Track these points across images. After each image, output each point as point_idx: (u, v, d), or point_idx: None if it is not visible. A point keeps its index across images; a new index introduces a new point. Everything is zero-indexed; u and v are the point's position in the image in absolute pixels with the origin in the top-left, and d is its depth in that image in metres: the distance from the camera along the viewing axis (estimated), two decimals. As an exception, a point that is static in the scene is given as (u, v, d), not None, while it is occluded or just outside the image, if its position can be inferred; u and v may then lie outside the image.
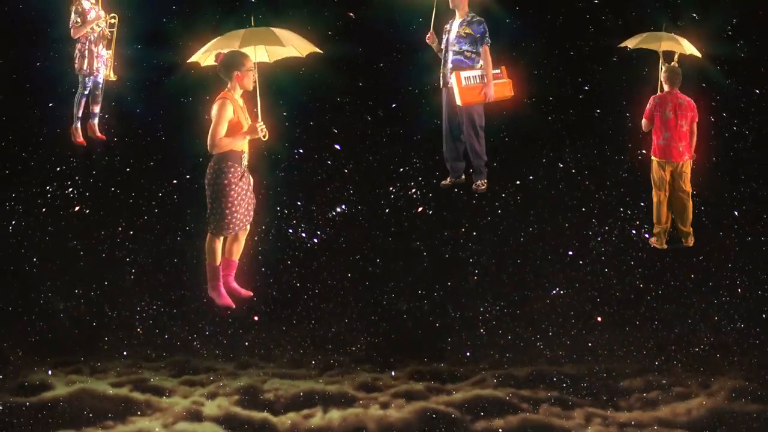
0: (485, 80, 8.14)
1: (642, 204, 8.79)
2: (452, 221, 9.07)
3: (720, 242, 9.01)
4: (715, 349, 9.28)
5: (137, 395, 9.02)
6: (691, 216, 8.16)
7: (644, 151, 8.54)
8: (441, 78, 8.33)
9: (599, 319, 9.09)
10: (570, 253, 9.14)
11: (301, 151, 9.27)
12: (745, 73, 9.02)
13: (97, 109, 8.46)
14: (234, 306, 7.09)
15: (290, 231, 9.20)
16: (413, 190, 9.07)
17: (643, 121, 7.99)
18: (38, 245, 8.96)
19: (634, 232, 8.96)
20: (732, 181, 9.05)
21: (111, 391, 8.96)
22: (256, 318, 8.77)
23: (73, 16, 8.14)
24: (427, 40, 8.27)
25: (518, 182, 9.14)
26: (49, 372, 9.07)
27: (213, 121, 6.62)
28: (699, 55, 8.16)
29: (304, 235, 9.34)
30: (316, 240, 9.27)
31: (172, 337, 9.32)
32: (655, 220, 8.15)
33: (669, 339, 9.29)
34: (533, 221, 9.16)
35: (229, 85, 6.74)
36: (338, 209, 9.14)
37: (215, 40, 6.82)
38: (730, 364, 9.27)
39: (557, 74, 9.22)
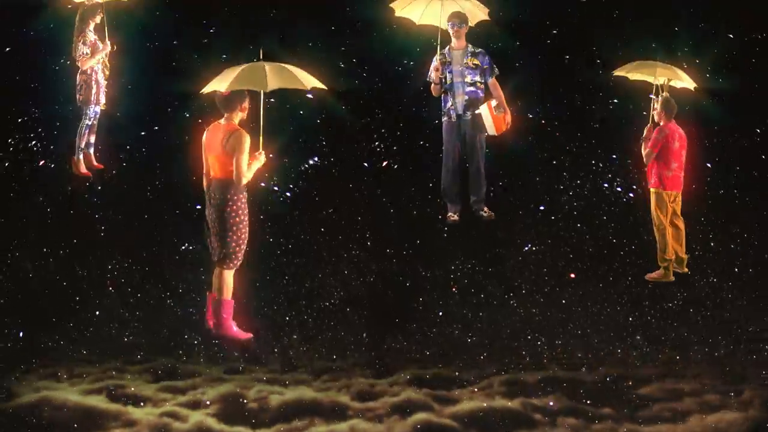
0: (503, 109, 8.37)
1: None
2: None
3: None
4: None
5: (106, 405, 8.36)
6: (685, 241, 8.34)
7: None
8: (452, 110, 8.44)
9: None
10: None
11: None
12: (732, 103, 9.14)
13: (93, 138, 8.58)
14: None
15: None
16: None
17: (648, 151, 8.01)
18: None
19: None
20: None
21: (79, 399, 8.33)
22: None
23: (81, 47, 8.25)
24: (434, 73, 8.41)
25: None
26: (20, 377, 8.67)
27: (240, 154, 6.84)
28: (693, 86, 8.28)
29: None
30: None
31: (158, 339, 9.11)
32: (664, 255, 8.16)
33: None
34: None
35: (229, 116, 6.97)
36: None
37: (236, 72, 6.88)
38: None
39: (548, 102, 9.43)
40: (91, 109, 8.36)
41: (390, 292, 9.35)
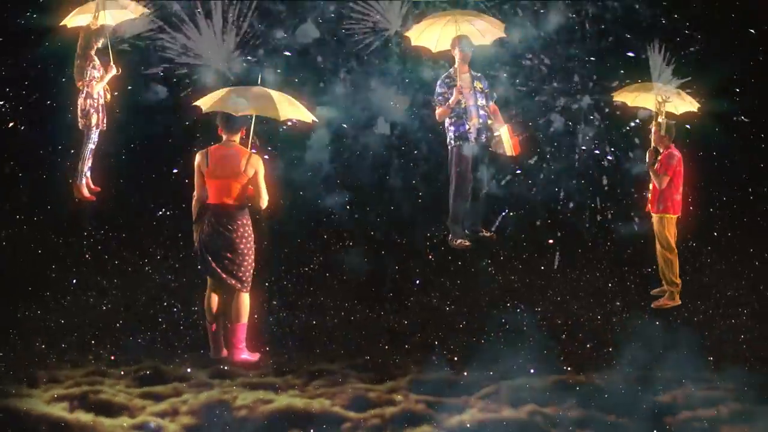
0: (518, 132, 8.52)
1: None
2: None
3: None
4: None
5: (75, 416, 7.73)
6: None
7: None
8: (470, 134, 8.34)
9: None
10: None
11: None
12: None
13: (90, 162, 8.67)
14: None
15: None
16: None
17: (664, 176, 8.03)
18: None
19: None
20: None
21: (44, 410, 7.73)
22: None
23: (91, 71, 8.32)
24: (456, 96, 8.31)
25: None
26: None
27: (262, 177, 6.92)
28: (697, 107, 8.30)
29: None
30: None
31: (143, 341, 8.87)
32: (675, 279, 8.18)
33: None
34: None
35: (233, 138, 6.98)
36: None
37: (248, 95, 6.99)
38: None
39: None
40: (95, 133, 8.44)
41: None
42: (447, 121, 8.42)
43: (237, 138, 7.01)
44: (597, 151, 9.04)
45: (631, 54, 8.82)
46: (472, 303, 9.26)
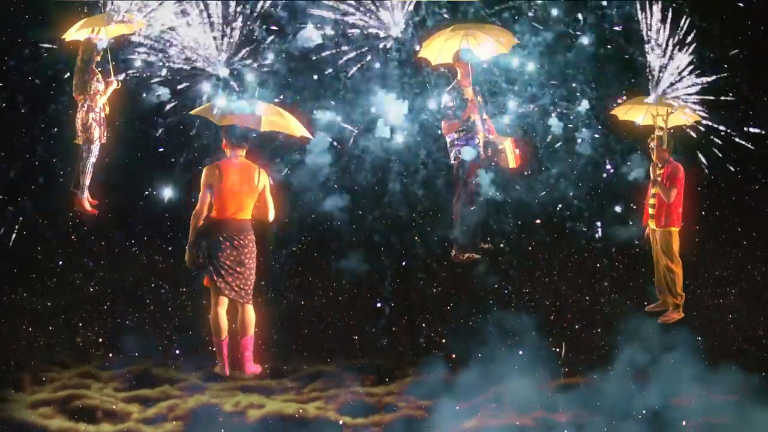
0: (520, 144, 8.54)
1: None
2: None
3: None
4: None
5: (58, 423, 7.52)
6: None
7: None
8: (478, 147, 8.27)
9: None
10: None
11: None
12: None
13: (91, 176, 8.66)
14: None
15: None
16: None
17: (674, 191, 8.04)
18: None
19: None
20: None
21: (24, 416, 7.51)
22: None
23: (95, 84, 8.28)
24: (469, 108, 8.24)
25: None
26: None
27: (269, 191, 7.03)
28: (694, 119, 8.28)
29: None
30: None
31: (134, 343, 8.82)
32: (680, 293, 8.17)
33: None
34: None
35: (241, 152, 7.00)
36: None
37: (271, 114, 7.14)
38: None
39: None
40: (96, 147, 8.37)
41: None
42: (453, 135, 8.30)
43: (243, 152, 6.97)
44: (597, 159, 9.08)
45: (628, 58, 8.86)
46: (472, 306, 9.21)
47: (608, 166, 9.03)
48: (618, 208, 9.09)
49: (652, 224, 8.10)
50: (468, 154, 8.27)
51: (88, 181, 8.43)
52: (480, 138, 8.28)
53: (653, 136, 8.01)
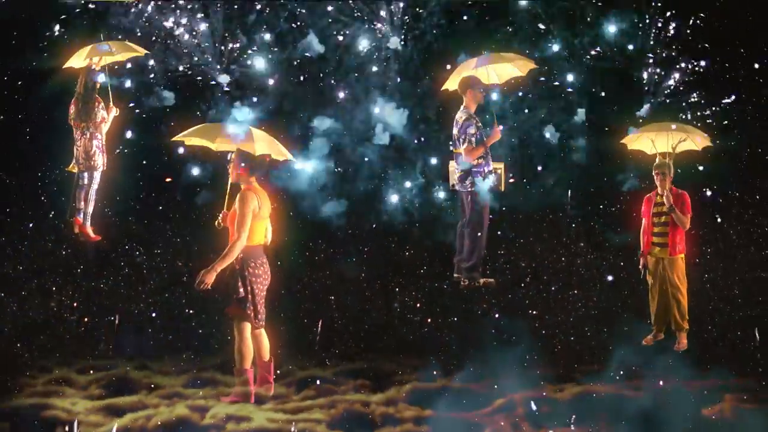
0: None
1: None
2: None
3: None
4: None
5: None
6: None
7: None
8: (492, 173, 8.52)
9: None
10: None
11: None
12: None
13: (93, 203, 8.81)
14: None
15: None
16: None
17: (688, 217, 8.13)
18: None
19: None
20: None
21: None
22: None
23: (102, 113, 8.47)
24: (495, 134, 8.53)
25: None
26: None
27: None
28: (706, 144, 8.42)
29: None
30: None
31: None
32: (686, 318, 8.25)
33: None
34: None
35: (253, 179, 7.23)
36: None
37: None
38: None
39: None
40: (99, 174, 8.57)
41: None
42: (472, 162, 8.43)
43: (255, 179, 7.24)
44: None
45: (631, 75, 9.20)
46: (471, 313, 9.30)
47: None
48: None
49: (660, 254, 8.07)
50: (487, 184, 8.44)
51: (91, 209, 8.56)
52: (493, 166, 8.54)
53: (657, 165, 8.02)
